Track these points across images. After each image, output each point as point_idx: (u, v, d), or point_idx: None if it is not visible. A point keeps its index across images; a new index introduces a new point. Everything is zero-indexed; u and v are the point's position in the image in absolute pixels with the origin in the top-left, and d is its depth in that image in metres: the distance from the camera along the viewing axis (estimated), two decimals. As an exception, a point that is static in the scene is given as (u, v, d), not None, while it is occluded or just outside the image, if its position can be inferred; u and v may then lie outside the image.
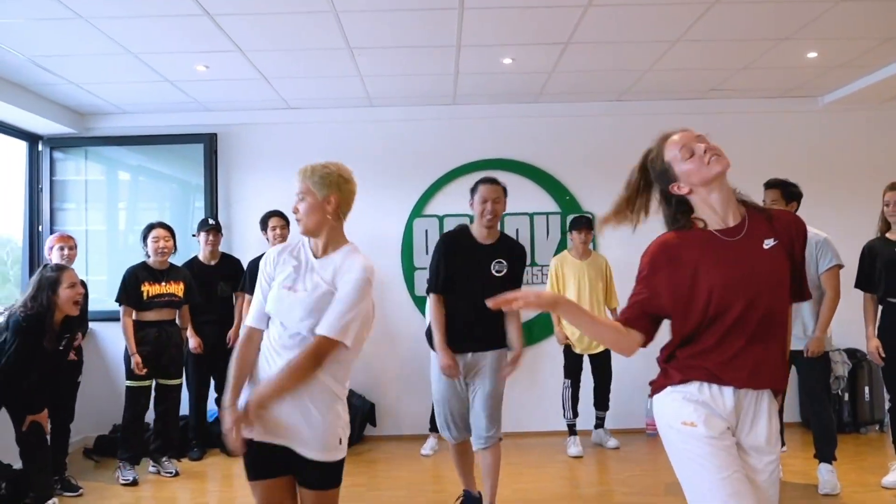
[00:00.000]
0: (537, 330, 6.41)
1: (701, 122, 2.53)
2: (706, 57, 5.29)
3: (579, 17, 4.44)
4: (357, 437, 6.04)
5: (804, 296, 2.38)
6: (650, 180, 2.39)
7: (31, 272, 5.59)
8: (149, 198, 6.82)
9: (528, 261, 5.07)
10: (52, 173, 6.46)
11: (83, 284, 4.88)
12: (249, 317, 2.66)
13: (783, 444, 4.84)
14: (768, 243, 2.26)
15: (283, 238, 5.65)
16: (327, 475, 2.54)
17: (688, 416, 2.27)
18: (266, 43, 4.81)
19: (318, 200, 2.56)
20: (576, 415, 5.86)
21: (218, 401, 5.92)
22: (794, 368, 4.71)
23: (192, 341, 5.66)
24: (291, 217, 3.08)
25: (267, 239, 5.80)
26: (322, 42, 4.79)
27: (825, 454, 4.66)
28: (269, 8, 4.22)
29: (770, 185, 4.70)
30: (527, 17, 4.47)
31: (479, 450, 3.98)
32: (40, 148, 6.47)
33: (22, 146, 6.43)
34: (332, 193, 2.57)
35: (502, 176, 4.76)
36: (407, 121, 6.56)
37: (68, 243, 5.23)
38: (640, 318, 2.31)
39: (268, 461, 2.55)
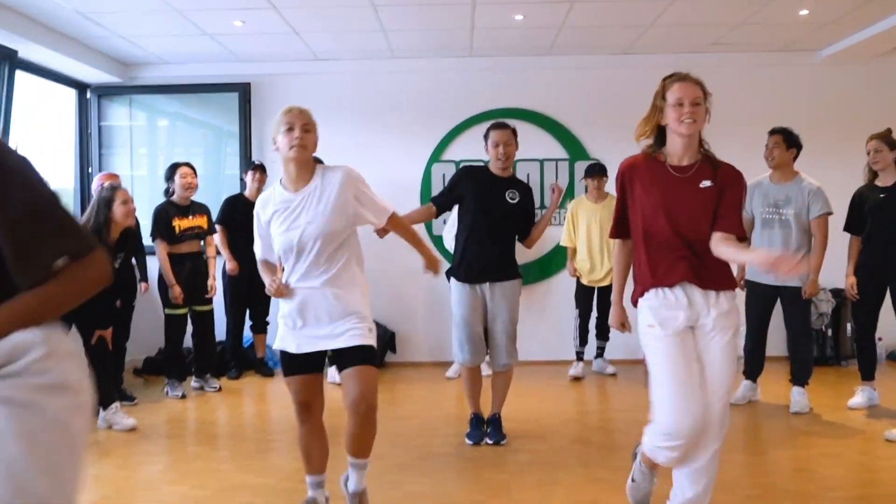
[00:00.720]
0: (554, 264, 6.96)
1: (703, 76, 2.96)
2: (704, 13, 5.68)
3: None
4: (378, 363, 6.63)
5: (728, 228, 2.84)
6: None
7: (83, 214, 6.15)
8: (187, 143, 7.37)
9: (538, 203, 5.63)
10: (99, 120, 7.01)
11: (137, 224, 5.47)
12: (259, 252, 3.21)
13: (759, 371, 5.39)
14: (704, 184, 2.85)
15: (261, 187, 6.16)
16: (366, 353, 3.05)
17: (650, 320, 2.84)
18: (297, 0, 5.28)
19: (316, 134, 3.08)
20: (583, 342, 6.41)
21: (253, 328, 6.57)
22: (779, 304, 5.19)
23: (230, 264, 6.22)
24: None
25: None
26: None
27: (799, 379, 5.18)
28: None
29: (774, 131, 5.08)
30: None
31: (494, 373, 4.55)
32: (88, 96, 7.01)
33: (72, 94, 6.98)
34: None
35: (514, 124, 5.28)
36: (426, 72, 7.03)
37: (114, 180, 5.73)
38: (624, 227, 3.03)
39: (303, 362, 3.11)
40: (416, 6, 5.48)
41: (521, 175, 6.52)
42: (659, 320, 2.81)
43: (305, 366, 3.12)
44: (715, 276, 2.85)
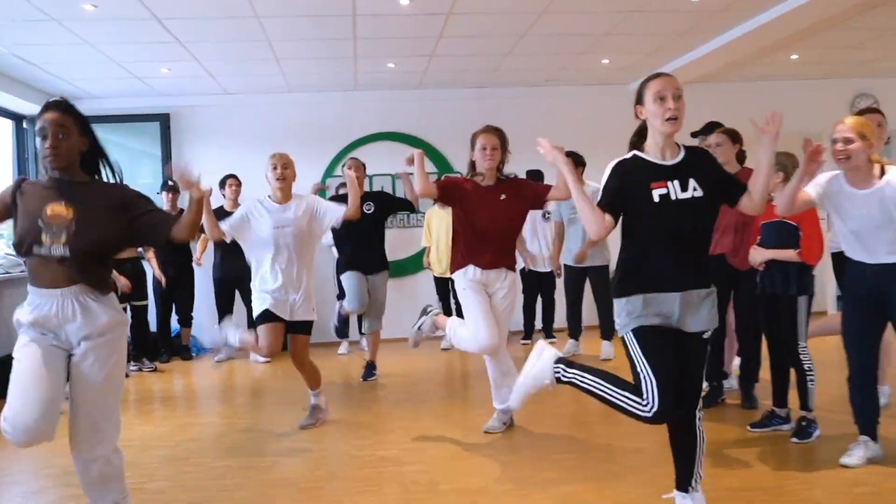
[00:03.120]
0: (416, 263, 8.58)
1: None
2: (535, 60, 7.39)
3: (439, 32, 6.46)
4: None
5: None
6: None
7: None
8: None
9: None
10: (35, 150, 8.11)
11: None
12: (225, 224, 4.66)
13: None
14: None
15: (238, 193, 7.40)
16: (308, 326, 4.71)
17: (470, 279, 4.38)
18: (213, 51, 6.65)
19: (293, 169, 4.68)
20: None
21: (179, 321, 7.87)
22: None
23: (158, 276, 7.53)
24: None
25: (223, 195, 7.59)
26: (254, 51, 6.68)
27: (606, 335, 6.94)
28: (219, 25, 6.11)
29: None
30: (400, 41, 6.50)
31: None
32: (24, 126, 8.12)
33: (8, 125, 8.06)
34: None
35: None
36: (318, 103, 8.53)
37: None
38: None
39: (271, 316, 4.61)
40: (311, 59, 7.00)
41: (398, 186, 8.16)
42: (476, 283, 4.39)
43: (272, 317, 4.65)
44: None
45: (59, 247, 2.74)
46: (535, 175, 7.21)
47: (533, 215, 7.24)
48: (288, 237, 4.59)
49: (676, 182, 2.85)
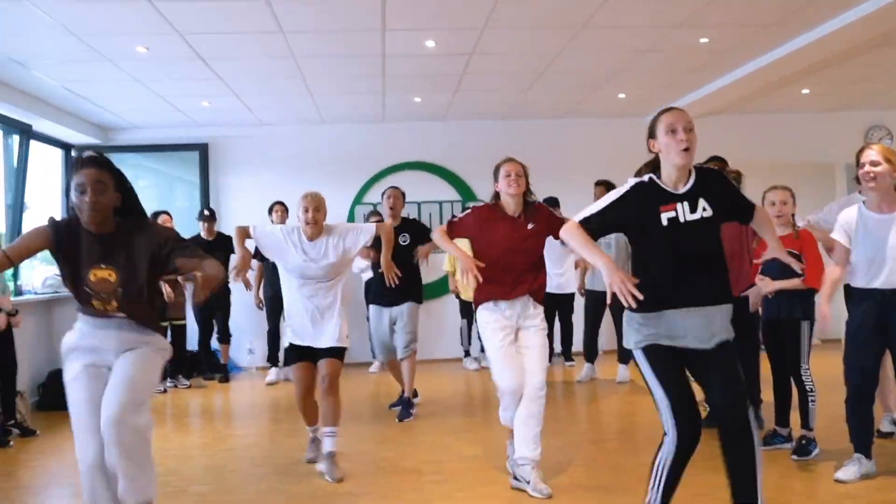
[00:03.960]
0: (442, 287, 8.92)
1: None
2: (557, 92, 7.75)
3: (463, 70, 6.84)
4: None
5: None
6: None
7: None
8: (156, 195, 9.03)
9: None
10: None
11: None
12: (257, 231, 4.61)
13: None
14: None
15: (284, 219, 7.71)
16: (338, 352, 4.45)
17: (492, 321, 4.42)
18: (251, 87, 7.09)
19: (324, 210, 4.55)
20: (469, 342, 8.33)
21: (219, 339, 8.25)
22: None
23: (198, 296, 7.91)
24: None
25: (272, 220, 7.86)
26: (290, 87, 7.12)
27: (623, 359, 7.20)
28: (258, 64, 6.56)
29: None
30: (426, 78, 6.90)
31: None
32: (73, 154, 8.62)
33: (58, 154, 8.57)
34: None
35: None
36: (348, 134, 8.95)
37: None
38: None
39: (302, 353, 4.54)
40: (343, 94, 7.43)
41: (424, 216, 8.56)
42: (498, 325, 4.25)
43: (303, 355, 4.48)
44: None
45: (112, 311, 3.00)
46: (552, 202, 7.53)
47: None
48: (317, 271, 4.43)
49: (686, 204, 2.94)
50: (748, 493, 2.89)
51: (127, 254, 2.98)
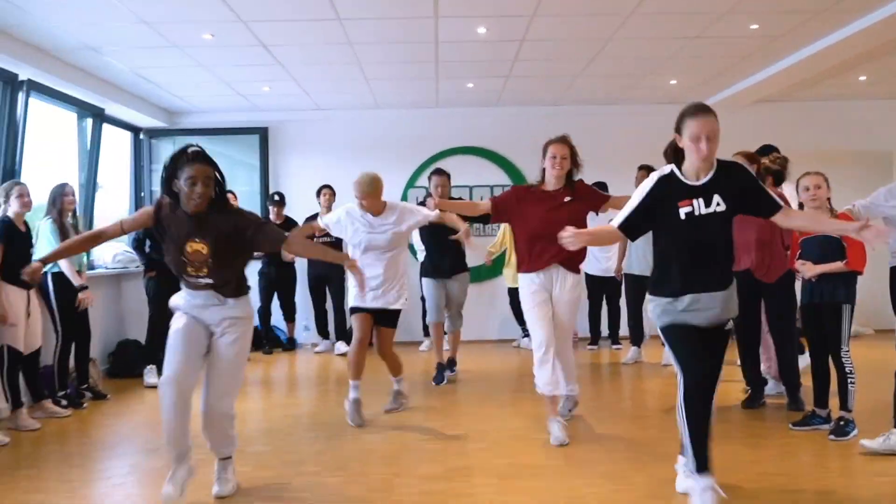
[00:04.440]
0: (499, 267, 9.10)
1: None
2: (608, 77, 7.84)
3: (514, 56, 7.00)
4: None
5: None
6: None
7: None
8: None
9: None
10: (151, 159, 9.04)
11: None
12: (323, 221, 5.30)
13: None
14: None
15: (332, 202, 8.10)
16: (393, 318, 5.25)
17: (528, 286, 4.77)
18: (309, 72, 7.36)
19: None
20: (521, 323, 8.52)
21: (284, 316, 8.57)
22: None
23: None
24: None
25: (319, 203, 8.28)
26: (346, 73, 7.37)
27: (636, 341, 7.34)
28: (317, 49, 6.82)
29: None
30: (478, 64, 7.08)
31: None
32: (141, 137, 9.04)
33: (127, 136, 9.00)
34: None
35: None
36: (402, 119, 9.19)
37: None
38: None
39: (359, 309, 5.17)
40: (397, 80, 7.67)
41: (475, 198, 8.74)
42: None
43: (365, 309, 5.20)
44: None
45: (203, 277, 3.50)
46: (600, 186, 7.61)
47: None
48: (380, 242, 5.12)
49: (701, 199, 3.27)
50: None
51: (217, 231, 3.45)
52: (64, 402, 5.70)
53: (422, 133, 9.22)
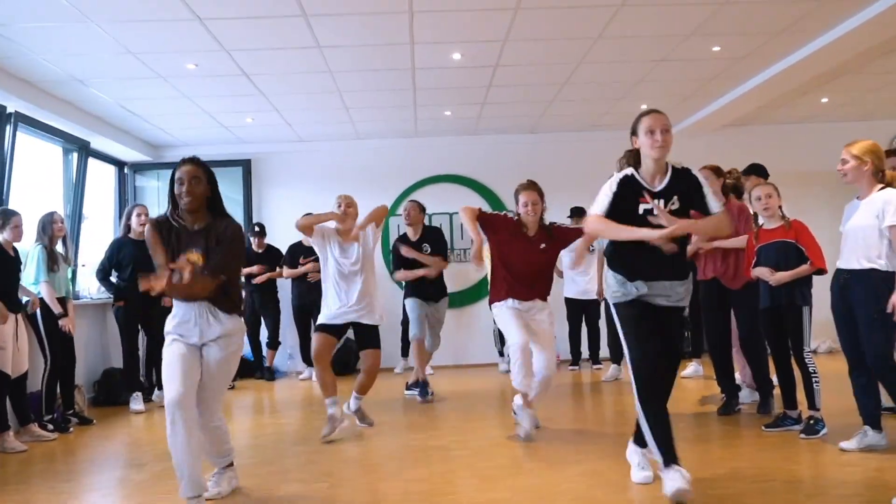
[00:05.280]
0: (482, 292, 9.24)
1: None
2: (580, 106, 8.11)
3: (489, 82, 7.25)
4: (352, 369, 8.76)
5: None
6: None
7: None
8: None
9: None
10: (135, 193, 9.17)
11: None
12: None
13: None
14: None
15: None
16: (374, 337, 5.31)
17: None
18: (291, 101, 7.57)
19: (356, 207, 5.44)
20: (503, 343, 8.64)
21: (268, 344, 8.63)
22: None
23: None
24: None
25: None
26: (327, 101, 7.58)
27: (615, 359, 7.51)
28: (298, 80, 7.03)
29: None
30: (454, 91, 7.32)
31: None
32: (126, 171, 9.18)
33: (111, 171, 9.13)
34: None
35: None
36: (383, 148, 9.42)
37: (144, 211, 7.29)
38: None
39: (325, 328, 5.29)
40: (377, 108, 7.89)
41: (455, 227, 8.97)
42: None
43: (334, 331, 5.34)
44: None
45: None
46: (579, 211, 7.85)
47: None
48: (348, 267, 5.30)
49: (661, 201, 3.52)
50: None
51: (209, 241, 3.60)
52: (50, 427, 5.74)
53: (402, 162, 9.44)
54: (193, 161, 3.64)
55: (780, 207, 4.82)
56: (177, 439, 3.44)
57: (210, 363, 3.62)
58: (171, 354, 3.59)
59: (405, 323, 8.32)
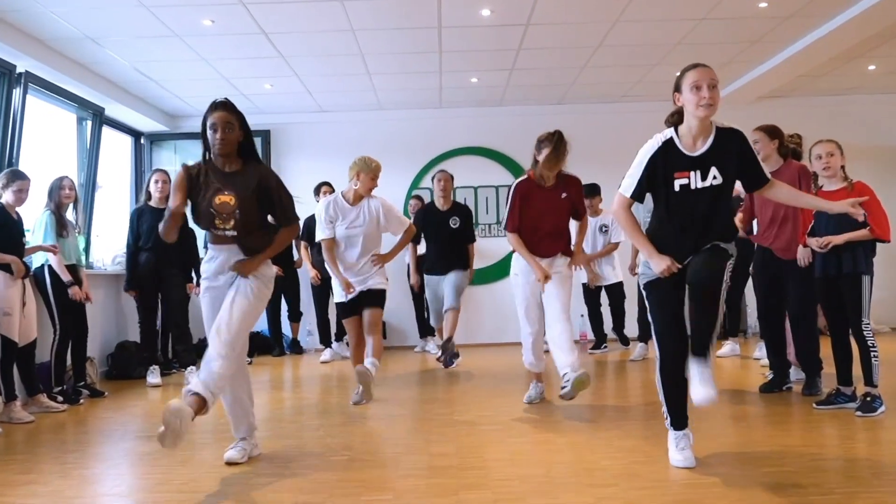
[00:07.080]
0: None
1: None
2: (611, 75, 7.78)
3: (518, 44, 6.92)
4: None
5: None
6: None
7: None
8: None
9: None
10: (152, 164, 8.93)
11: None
12: (324, 234, 5.23)
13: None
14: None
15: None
16: (379, 298, 5.21)
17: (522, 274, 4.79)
18: (311, 65, 7.27)
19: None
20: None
21: (289, 317, 8.39)
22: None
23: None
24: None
25: (317, 201, 8.16)
26: (348, 65, 7.28)
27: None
28: (320, 45, 6.73)
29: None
30: (482, 54, 6.99)
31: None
32: (142, 142, 8.95)
33: (128, 140, 8.91)
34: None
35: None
36: (406, 120, 9.10)
37: (162, 178, 6.74)
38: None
39: (347, 309, 5.17)
40: (400, 74, 7.56)
41: (480, 200, 8.65)
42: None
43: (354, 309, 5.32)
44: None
45: (230, 230, 3.56)
46: (593, 188, 7.57)
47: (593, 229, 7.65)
48: (350, 229, 5.25)
49: (698, 172, 3.21)
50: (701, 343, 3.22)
51: (244, 185, 3.57)
52: (60, 399, 5.52)
53: (425, 134, 9.12)
54: (226, 106, 3.60)
55: (842, 168, 4.45)
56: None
57: (235, 294, 3.53)
58: (207, 309, 3.63)
59: (417, 299, 8.25)
